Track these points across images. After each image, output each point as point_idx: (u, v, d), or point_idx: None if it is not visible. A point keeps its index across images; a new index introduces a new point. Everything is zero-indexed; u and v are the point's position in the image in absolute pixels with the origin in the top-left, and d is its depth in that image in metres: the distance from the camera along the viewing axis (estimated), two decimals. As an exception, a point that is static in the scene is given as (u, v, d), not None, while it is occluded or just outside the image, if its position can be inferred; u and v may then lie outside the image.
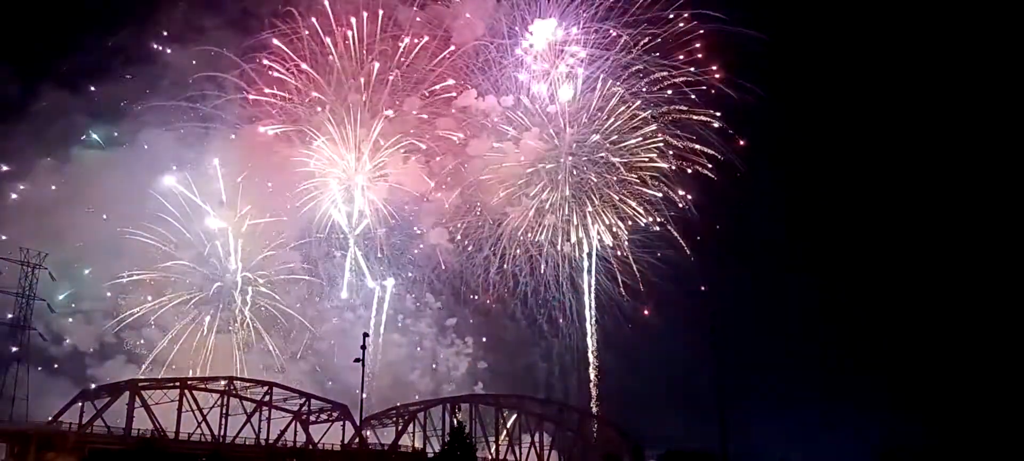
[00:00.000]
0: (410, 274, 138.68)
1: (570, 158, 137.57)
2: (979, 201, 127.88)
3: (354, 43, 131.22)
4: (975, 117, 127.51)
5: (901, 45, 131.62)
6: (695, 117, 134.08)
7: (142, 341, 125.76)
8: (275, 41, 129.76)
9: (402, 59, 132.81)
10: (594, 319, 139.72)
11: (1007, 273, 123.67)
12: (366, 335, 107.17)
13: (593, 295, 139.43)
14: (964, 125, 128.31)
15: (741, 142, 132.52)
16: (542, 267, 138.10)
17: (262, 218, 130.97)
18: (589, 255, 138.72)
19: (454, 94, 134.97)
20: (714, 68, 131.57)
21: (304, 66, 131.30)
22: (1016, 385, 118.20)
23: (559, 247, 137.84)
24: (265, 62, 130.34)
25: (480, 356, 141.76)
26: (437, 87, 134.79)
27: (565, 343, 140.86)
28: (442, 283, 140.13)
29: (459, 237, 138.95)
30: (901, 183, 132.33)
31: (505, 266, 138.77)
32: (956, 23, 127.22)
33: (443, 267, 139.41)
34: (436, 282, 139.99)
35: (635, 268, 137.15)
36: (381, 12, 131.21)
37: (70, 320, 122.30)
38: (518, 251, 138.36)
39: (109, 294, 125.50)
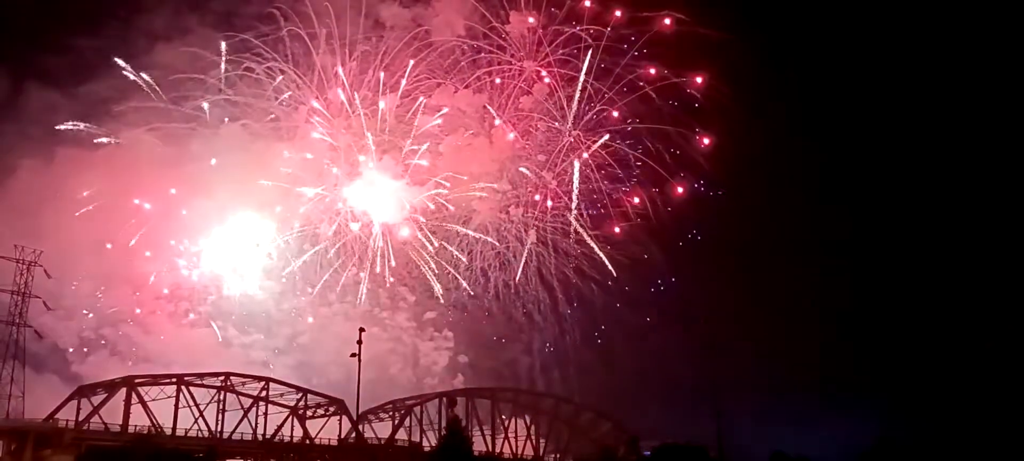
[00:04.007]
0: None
1: (542, 156, 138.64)
2: (976, 196, 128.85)
3: (337, 42, 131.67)
4: (970, 110, 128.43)
5: (891, 40, 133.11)
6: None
7: (122, 335, 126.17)
8: (257, 42, 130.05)
9: (384, 59, 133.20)
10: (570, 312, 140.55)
11: (1004, 269, 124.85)
12: (362, 330, 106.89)
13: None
14: (958, 118, 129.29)
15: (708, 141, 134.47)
16: (514, 259, 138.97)
17: (246, 213, 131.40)
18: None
19: (430, 95, 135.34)
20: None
21: (286, 66, 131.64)
22: (1011, 381, 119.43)
23: (527, 242, 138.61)
24: (248, 63, 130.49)
25: (461, 350, 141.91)
26: (414, 86, 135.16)
27: (544, 337, 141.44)
28: (414, 278, 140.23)
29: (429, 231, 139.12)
30: (898, 175, 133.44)
31: (474, 262, 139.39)
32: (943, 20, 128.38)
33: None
34: (408, 277, 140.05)
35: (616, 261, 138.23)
36: (364, 11, 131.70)
37: (49, 316, 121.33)
38: (487, 246, 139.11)
39: (91, 291, 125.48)
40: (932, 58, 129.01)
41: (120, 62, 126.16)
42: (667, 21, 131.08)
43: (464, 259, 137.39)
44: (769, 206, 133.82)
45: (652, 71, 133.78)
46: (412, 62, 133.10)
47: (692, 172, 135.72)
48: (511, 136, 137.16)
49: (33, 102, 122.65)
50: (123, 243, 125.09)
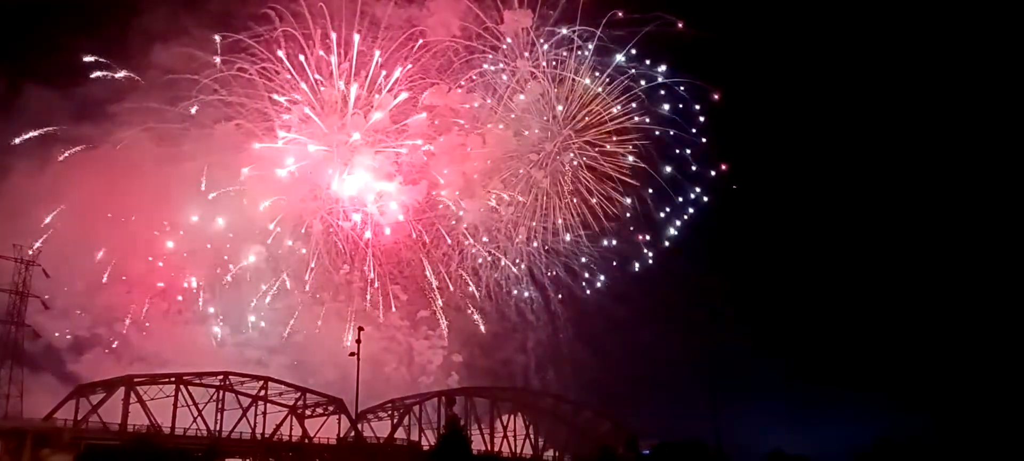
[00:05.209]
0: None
1: (534, 154, 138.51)
2: (977, 194, 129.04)
3: (334, 43, 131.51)
4: (970, 110, 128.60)
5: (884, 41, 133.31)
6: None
7: (117, 334, 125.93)
8: (251, 42, 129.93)
9: (379, 62, 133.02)
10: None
11: (1004, 269, 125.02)
12: (361, 329, 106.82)
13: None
14: (958, 117, 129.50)
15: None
16: (504, 260, 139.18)
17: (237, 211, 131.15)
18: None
19: (425, 93, 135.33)
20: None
21: (279, 67, 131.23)
22: (1011, 380, 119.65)
23: (516, 241, 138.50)
24: (241, 63, 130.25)
25: (455, 349, 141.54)
26: (409, 86, 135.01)
27: (538, 337, 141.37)
28: (406, 278, 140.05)
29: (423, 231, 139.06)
30: (898, 172, 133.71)
31: (464, 262, 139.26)
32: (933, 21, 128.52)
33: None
34: (399, 276, 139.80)
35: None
36: (358, 11, 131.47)
37: (44, 315, 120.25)
38: (479, 245, 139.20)
39: (85, 290, 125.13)
40: (928, 60, 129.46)
41: (91, 59, 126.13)
42: (679, 25, 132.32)
43: (478, 293, 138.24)
44: (769, 206, 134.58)
45: (644, 72, 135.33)
46: (406, 62, 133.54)
47: (691, 181, 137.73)
48: (488, 161, 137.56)
49: (30, 102, 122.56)
50: (109, 255, 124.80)
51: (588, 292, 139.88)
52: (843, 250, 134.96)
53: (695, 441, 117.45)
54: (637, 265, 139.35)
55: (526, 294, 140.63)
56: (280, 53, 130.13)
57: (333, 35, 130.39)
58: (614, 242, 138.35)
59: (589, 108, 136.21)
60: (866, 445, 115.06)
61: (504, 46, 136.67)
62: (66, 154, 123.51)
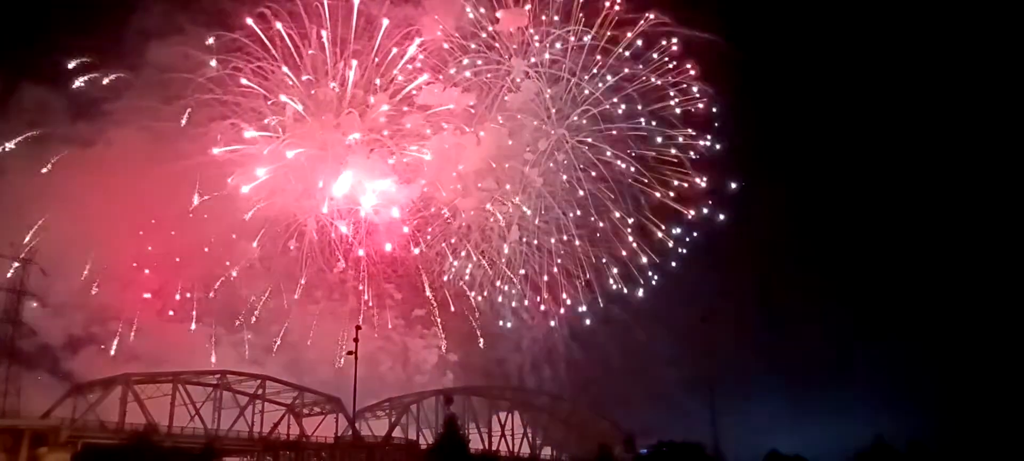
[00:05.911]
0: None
1: (529, 154, 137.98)
2: (978, 195, 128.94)
3: (327, 42, 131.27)
4: (969, 109, 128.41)
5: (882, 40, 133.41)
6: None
7: (112, 332, 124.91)
8: (246, 41, 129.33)
9: (375, 60, 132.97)
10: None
11: (1004, 268, 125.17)
12: (359, 327, 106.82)
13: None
14: (957, 116, 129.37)
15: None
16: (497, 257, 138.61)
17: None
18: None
19: (416, 93, 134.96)
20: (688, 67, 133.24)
21: (274, 66, 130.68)
22: (1010, 380, 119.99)
23: (509, 240, 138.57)
24: (236, 62, 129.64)
25: (450, 348, 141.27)
26: (408, 87, 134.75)
27: (534, 336, 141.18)
28: (400, 277, 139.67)
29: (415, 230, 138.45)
30: (899, 171, 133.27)
31: (456, 262, 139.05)
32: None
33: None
34: (393, 275, 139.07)
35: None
36: (355, 10, 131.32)
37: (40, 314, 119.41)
38: (470, 245, 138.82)
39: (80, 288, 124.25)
40: (934, 62, 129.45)
41: (78, 63, 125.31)
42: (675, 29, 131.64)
43: (472, 296, 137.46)
44: (768, 206, 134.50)
45: (643, 73, 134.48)
46: (402, 61, 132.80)
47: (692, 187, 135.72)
48: (492, 164, 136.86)
49: (25, 101, 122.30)
50: (103, 256, 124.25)
51: (588, 319, 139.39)
52: (841, 249, 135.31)
53: (692, 441, 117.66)
54: (641, 291, 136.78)
55: (521, 292, 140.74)
56: (275, 52, 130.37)
57: (327, 34, 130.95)
58: (615, 270, 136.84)
59: (583, 107, 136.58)
60: (865, 445, 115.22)
61: (489, 34, 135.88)
62: (61, 154, 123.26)
